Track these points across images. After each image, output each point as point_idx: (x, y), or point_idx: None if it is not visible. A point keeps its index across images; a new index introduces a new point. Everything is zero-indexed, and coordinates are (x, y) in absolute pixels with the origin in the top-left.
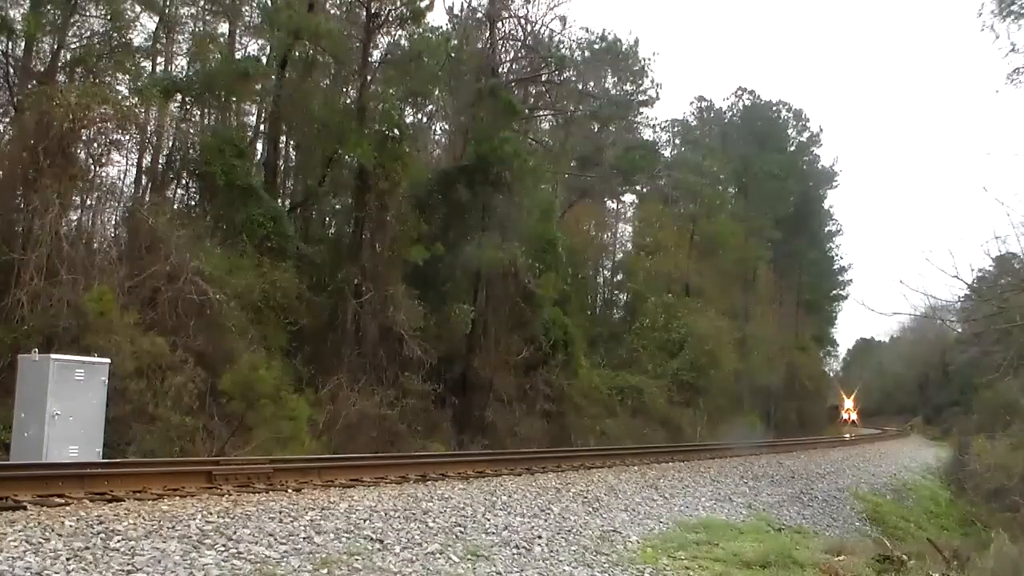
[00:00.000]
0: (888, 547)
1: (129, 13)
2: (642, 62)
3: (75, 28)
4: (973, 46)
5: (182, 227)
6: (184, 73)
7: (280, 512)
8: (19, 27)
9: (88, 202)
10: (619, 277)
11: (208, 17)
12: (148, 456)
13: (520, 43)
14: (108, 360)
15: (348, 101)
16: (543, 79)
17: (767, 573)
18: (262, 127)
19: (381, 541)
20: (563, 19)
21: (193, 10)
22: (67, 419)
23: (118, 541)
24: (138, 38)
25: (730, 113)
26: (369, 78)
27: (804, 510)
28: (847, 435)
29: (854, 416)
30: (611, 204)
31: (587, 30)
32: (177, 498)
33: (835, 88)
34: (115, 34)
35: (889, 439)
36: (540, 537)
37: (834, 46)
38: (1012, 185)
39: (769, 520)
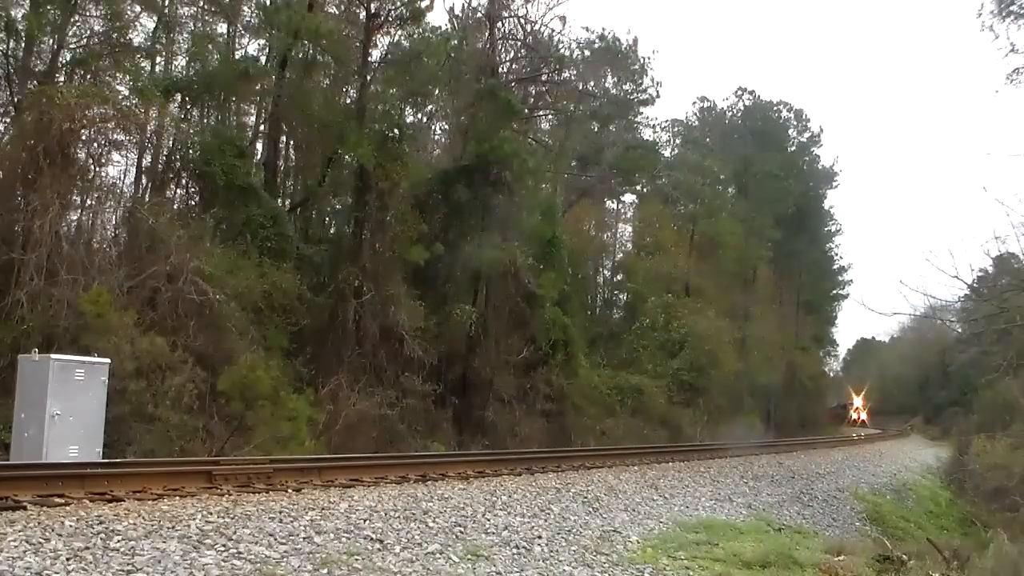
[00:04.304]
0: (888, 547)
1: (129, 13)
2: (642, 61)
3: (75, 28)
4: (973, 46)
5: (182, 227)
6: (184, 73)
7: (280, 512)
8: (19, 27)
9: (88, 202)
10: (619, 277)
11: (207, 17)
12: (148, 456)
13: (520, 43)
14: (108, 360)
15: (348, 101)
16: (543, 79)
17: (767, 573)
18: (262, 127)
19: (381, 541)
20: (563, 19)
21: (193, 10)
22: (67, 419)
23: (118, 541)
24: (138, 38)
25: (730, 113)
26: (369, 78)
27: (804, 510)
28: (855, 434)
29: (864, 415)
30: (611, 204)
31: (587, 29)
32: (177, 498)
33: (835, 88)
34: (115, 34)
35: (889, 439)
36: (540, 537)
37: (834, 46)
38: (1012, 185)
39: (769, 520)
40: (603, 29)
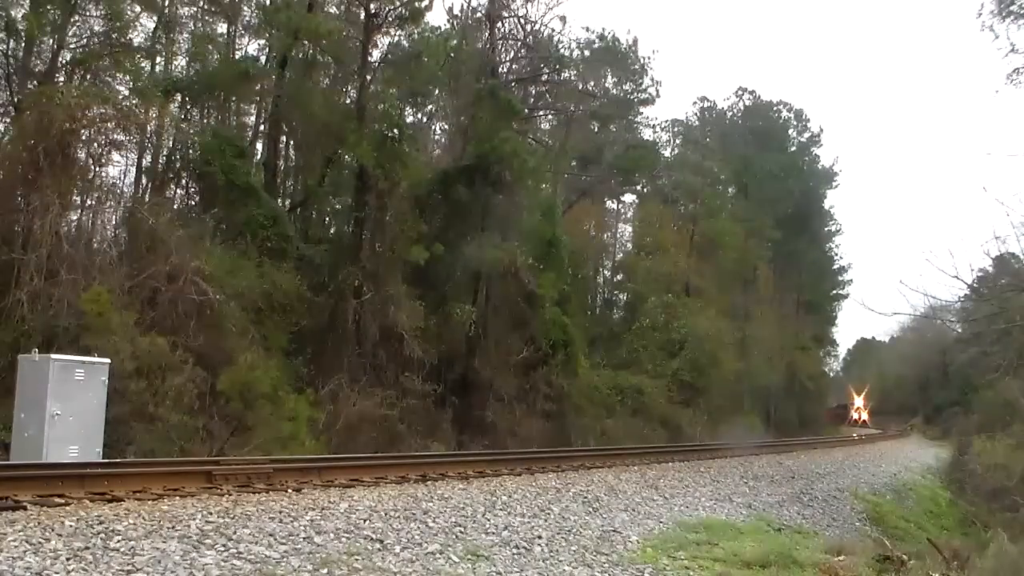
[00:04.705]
0: (888, 547)
1: (129, 13)
2: (642, 61)
3: (75, 28)
4: (973, 46)
5: (182, 227)
6: (184, 73)
7: (280, 512)
8: (19, 27)
9: (88, 202)
10: (619, 277)
11: (207, 17)
12: (148, 456)
13: (520, 43)
14: (108, 360)
15: (348, 101)
16: (543, 79)
17: (767, 573)
18: (262, 127)
19: (381, 541)
20: (563, 19)
21: (193, 10)
22: (67, 419)
23: (118, 541)
24: (138, 38)
25: (731, 113)
26: (369, 78)
27: (804, 510)
28: (854, 434)
29: (865, 415)
30: (611, 204)
31: (587, 29)
32: (177, 498)
33: (835, 88)
34: (115, 34)
35: (889, 439)
36: (540, 537)
37: (834, 46)
38: (1012, 185)
39: (769, 520)
40: (603, 29)
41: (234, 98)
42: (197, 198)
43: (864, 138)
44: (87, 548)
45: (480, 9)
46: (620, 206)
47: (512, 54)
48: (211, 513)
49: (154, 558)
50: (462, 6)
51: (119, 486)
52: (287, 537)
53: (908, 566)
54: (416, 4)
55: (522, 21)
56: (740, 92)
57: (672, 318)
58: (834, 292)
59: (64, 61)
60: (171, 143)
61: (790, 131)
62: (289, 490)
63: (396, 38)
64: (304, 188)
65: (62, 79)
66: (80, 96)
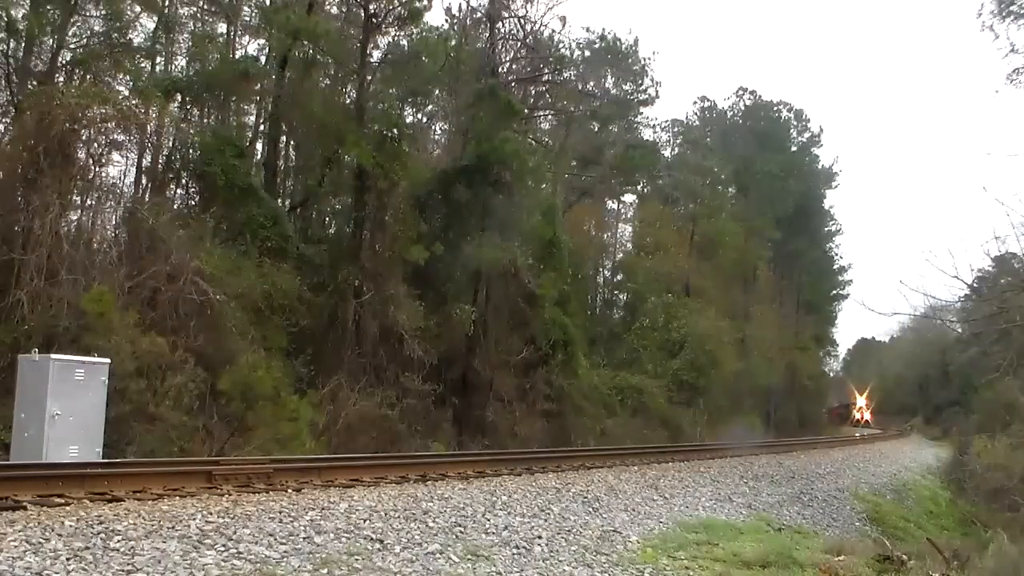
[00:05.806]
0: (888, 547)
1: (129, 13)
2: (642, 61)
3: (75, 28)
4: (973, 46)
5: (182, 227)
6: (184, 73)
7: (280, 512)
8: (19, 27)
9: (88, 202)
10: (619, 277)
11: (207, 17)
12: (148, 456)
13: (520, 43)
14: (108, 360)
15: (347, 101)
16: (543, 79)
17: (767, 573)
18: (262, 127)
19: (381, 541)
20: (563, 19)
21: (193, 10)
22: (67, 419)
23: (118, 541)
24: (138, 38)
25: (731, 113)
26: (368, 78)
27: (804, 510)
28: (857, 434)
29: (867, 415)
30: (611, 204)
31: (587, 29)
32: (177, 498)
33: (835, 88)
34: (115, 34)
35: (889, 439)
36: (540, 537)
37: (834, 46)
38: (1012, 185)
39: (769, 520)
40: (603, 29)
41: (234, 98)
42: (197, 198)
43: (864, 138)
44: (87, 548)
45: (480, 9)
46: (620, 206)
47: (512, 54)
48: (211, 513)
49: (154, 558)
50: (461, 6)
51: (119, 486)
52: (287, 537)
53: (908, 566)
54: (415, 4)
55: (522, 21)
56: (740, 92)
57: (672, 318)
58: (834, 292)
59: (64, 61)
60: (171, 143)
61: (790, 131)
62: (289, 490)
63: (395, 38)
64: (304, 188)
65: (62, 79)
66: (80, 96)
